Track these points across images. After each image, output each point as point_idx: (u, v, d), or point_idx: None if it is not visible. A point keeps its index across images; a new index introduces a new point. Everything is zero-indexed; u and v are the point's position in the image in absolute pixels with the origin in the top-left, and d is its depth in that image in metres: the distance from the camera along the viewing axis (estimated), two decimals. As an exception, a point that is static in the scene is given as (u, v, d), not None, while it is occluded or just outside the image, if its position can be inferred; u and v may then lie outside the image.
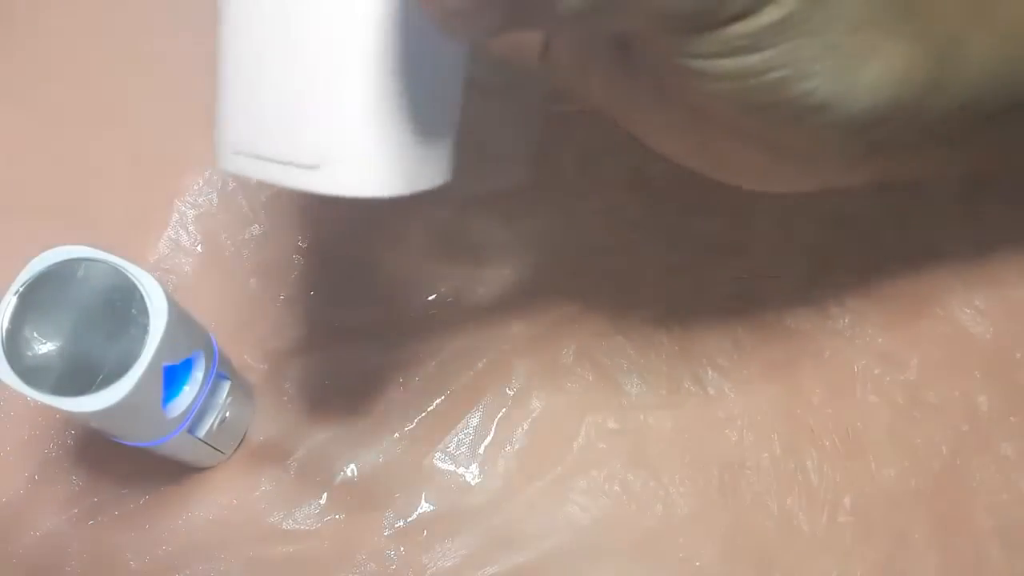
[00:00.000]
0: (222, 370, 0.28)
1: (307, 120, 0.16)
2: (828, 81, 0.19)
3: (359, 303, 0.33)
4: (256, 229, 0.34)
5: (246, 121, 0.17)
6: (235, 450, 0.31)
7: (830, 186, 0.23)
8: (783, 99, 0.19)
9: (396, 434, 0.32)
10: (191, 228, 0.34)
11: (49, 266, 0.23)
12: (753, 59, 0.18)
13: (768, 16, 0.17)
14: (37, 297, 0.23)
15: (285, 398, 0.32)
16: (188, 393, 0.26)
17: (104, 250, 0.23)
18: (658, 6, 0.17)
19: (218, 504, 0.31)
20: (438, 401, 0.32)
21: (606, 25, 0.19)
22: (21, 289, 0.23)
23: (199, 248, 0.34)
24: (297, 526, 0.31)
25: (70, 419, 0.31)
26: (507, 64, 0.23)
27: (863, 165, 0.22)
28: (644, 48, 0.20)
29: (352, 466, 0.31)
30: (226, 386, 0.28)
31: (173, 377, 0.25)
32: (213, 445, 0.29)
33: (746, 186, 0.24)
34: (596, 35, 0.22)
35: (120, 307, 0.23)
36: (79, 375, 0.22)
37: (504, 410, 0.32)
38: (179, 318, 0.24)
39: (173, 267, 0.33)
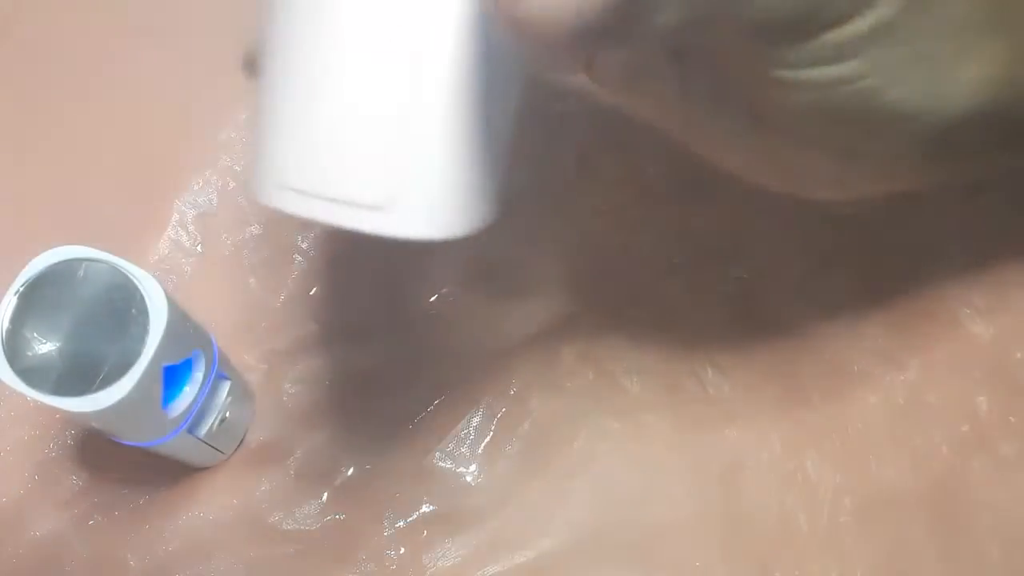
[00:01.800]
0: (222, 370, 0.28)
1: (374, 158, 0.14)
2: (920, 88, 0.18)
3: (359, 303, 0.33)
4: (256, 229, 0.34)
5: (299, 155, 0.15)
6: (235, 450, 0.31)
7: (897, 190, 0.22)
8: (870, 107, 0.18)
9: (396, 434, 0.32)
10: (191, 228, 0.34)
11: (49, 266, 0.23)
12: (842, 68, 0.17)
13: (861, 24, 0.17)
14: (37, 297, 0.23)
15: (285, 398, 0.32)
16: (188, 393, 0.26)
17: (104, 250, 0.23)
18: (756, 17, 0.16)
19: (218, 504, 0.31)
20: (438, 401, 0.32)
21: (693, 40, 0.18)
22: (21, 289, 0.23)
23: (199, 248, 0.34)
24: (297, 526, 0.31)
25: (70, 419, 0.31)
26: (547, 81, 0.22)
27: (938, 168, 0.21)
28: (720, 60, 0.19)
29: (352, 466, 0.31)
30: (226, 386, 0.28)
31: (173, 377, 0.25)
32: (213, 445, 0.29)
33: (812, 195, 0.22)
34: (654, 48, 0.20)
35: (120, 307, 0.23)
36: (79, 375, 0.22)
37: (504, 410, 0.32)
38: (179, 318, 0.24)
39: (173, 267, 0.33)
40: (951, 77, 0.18)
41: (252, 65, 0.19)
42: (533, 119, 0.35)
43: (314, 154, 0.14)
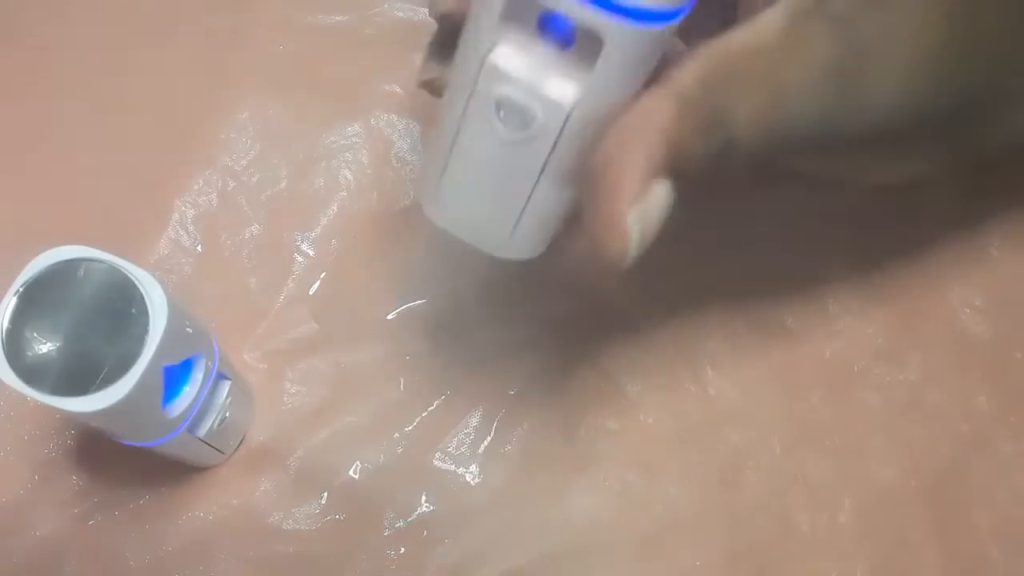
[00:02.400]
0: (222, 370, 0.28)
1: (505, 218, 0.23)
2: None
3: (359, 303, 0.33)
4: (256, 229, 0.34)
5: (464, 205, 0.24)
6: (235, 450, 0.31)
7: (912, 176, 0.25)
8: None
9: (396, 434, 0.32)
10: (191, 228, 0.34)
11: (49, 266, 0.23)
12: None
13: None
14: (37, 297, 0.23)
15: (285, 398, 0.32)
16: (188, 393, 0.26)
17: (104, 250, 0.23)
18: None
19: (218, 504, 0.31)
20: (438, 401, 0.32)
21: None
22: (21, 289, 0.23)
23: (199, 248, 0.34)
24: (297, 526, 0.31)
25: (70, 419, 0.31)
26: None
27: (896, 164, 0.25)
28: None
29: (352, 466, 0.31)
30: (226, 386, 0.28)
31: (173, 377, 0.25)
32: (213, 445, 0.29)
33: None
34: None
35: (120, 307, 0.23)
36: (79, 375, 0.22)
37: (504, 410, 0.32)
38: (179, 318, 0.24)
39: (173, 267, 0.33)
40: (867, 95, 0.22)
41: (431, 87, 0.26)
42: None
43: (473, 208, 0.24)
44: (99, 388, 0.22)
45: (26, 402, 0.31)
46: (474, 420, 0.32)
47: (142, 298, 0.23)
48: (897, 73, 0.20)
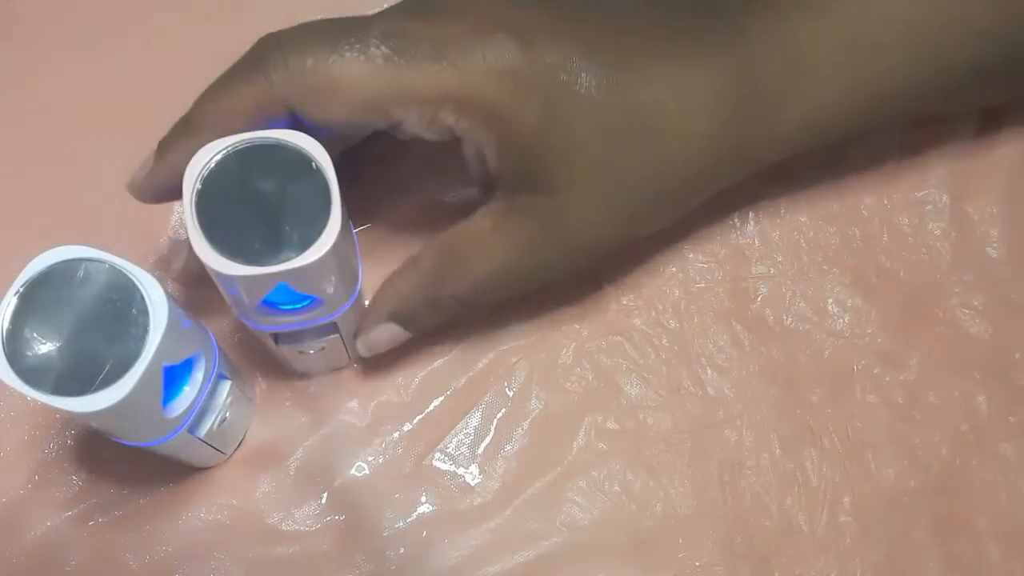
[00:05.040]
0: (222, 370, 0.28)
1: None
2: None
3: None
4: (256, 229, 0.34)
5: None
6: (235, 450, 0.31)
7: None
8: None
9: (396, 434, 0.32)
10: (191, 228, 0.34)
11: (49, 266, 0.23)
12: None
13: None
14: (37, 297, 0.23)
15: (285, 398, 0.32)
16: (188, 393, 0.26)
17: (104, 250, 0.23)
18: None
19: (218, 504, 0.31)
20: (438, 401, 0.32)
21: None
22: (21, 289, 0.23)
23: (199, 248, 0.34)
24: (297, 526, 0.31)
25: (70, 419, 0.31)
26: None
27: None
28: None
29: (352, 466, 0.31)
30: (226, 386, 0.28)
31: (173, 377, 0.25)
32: (213, 445, 0.29)
33: None
34: None
35: (120, 307, 0.23)
36: (79, 375, 0.22)
37: (504, 410, 0.32)
38: (179, 318, 0.24)
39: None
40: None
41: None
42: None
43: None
44: (99, 388, 0.22)
45: (26, 402, 0.31)
46: (474, 420, 0.32)
47: (142, 298, 0.23)
48: (588, 228, 0.28)
